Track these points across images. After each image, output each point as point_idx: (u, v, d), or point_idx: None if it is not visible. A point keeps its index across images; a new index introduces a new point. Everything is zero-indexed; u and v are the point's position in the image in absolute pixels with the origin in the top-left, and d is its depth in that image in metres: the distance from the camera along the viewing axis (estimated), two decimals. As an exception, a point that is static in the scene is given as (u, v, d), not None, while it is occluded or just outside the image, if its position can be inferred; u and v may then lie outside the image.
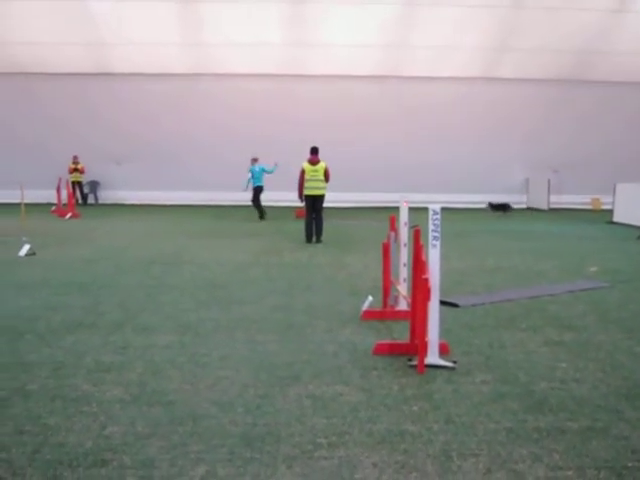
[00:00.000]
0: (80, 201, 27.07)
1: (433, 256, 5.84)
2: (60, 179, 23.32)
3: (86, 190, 28.07)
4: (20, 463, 4.00)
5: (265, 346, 6.53)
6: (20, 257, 12.34)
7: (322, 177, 15.06)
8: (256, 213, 21.15)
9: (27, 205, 19.08)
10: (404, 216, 7.47)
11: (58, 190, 22.72)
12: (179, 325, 7.33)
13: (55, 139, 26.29)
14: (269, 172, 20.93)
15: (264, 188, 21.07)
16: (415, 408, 4.91)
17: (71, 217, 21.26)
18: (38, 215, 20.78)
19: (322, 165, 15.07)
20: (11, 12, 22.84)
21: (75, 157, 26.69)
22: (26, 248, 12.66)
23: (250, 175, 21.06)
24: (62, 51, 24.63)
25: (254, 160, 21.17)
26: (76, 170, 26.80)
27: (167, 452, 4.16)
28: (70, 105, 26.15)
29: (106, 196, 28.20)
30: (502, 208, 24.58)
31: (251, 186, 21.12)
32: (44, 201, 24.38)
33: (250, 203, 21.47)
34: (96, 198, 28.27)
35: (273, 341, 6.71)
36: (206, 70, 25.87)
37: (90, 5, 22.98)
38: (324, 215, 15.48)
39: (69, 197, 23.01)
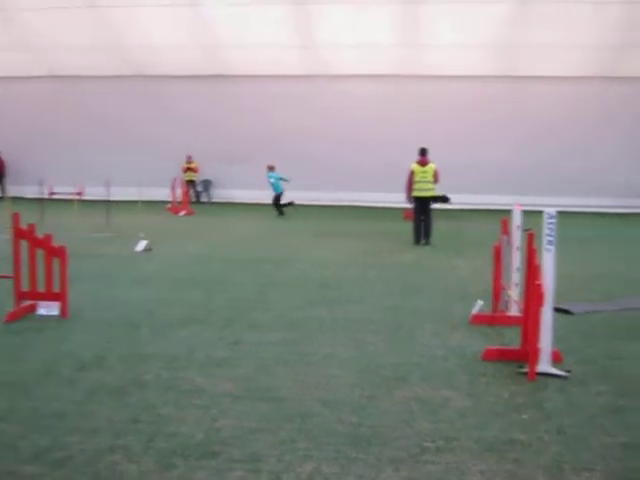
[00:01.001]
0: (193, 199, 27.87)
1: (547, 261, 5.67)
2: (175, 178, 24.13)
3: (199, 189, 28.88)
4: (136, 450, 4.16)
5: (373, 346, 6.53)
6: (137, 252, 12.82)
7: (431, 178, 14.86)
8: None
9: (144, 203, 19.86)
10: (517, 219, 7.29)
11: (173, 188, 23.53)
12: (287, 323, 7.44)
13: (171, 140, 27.14)
14: (285, 180, 22.16)
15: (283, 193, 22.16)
16: (525, 416, 4.79)
17: (185, 214, 21.96)
18: (154, 212, 21.56)
19: (431, 166, 14.88)
20: (135, 19, 23.82)
21: (189, 157, 27.53)
22: (143, 244, 13.12)
23: (272, 180, 22.15)
24: (181, 54, 25.47)
25: (270, 168, 22.41)
26: (189, 169, 27.63)
27: (275, 448, 4.22)
28: (186, 107, 26.92)
29: (218, 195, 28.89)
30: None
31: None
32: (159, 199, 25.23)
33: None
34: (209, 196, 29.03)
35: (381, 342, 6.70)
36: (318, 72, 26.08)
37: (206, 11, 23.68)
38: (433, 216, 15.30)
39: (183, 195, 23.80)
